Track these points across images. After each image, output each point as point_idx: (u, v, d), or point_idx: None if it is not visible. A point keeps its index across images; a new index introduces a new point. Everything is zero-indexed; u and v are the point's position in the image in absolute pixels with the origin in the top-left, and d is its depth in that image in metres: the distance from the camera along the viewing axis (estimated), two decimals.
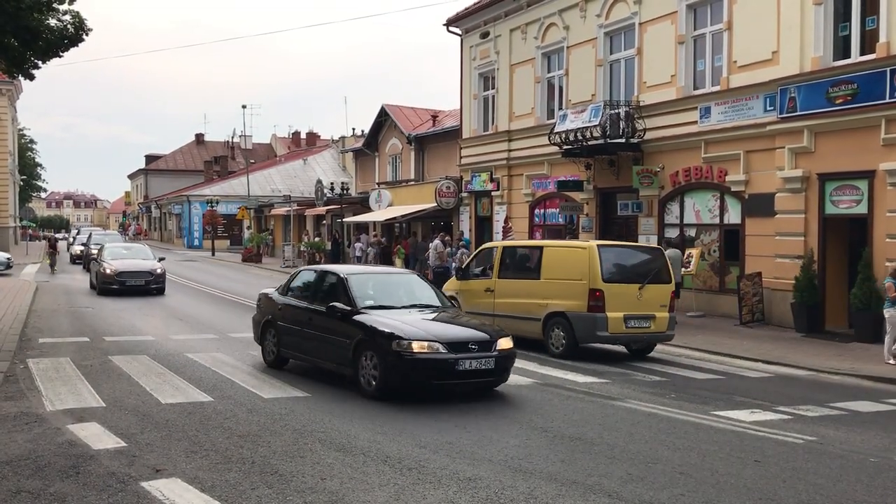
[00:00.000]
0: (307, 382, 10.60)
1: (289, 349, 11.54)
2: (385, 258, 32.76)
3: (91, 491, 6.05)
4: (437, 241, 25.87)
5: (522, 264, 15.07)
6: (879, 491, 6.64)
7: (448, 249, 26.07)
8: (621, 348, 14.28)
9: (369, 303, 10.65)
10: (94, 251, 33.57)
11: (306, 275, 12.42)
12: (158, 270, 23.98)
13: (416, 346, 9.40)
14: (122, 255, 24.97)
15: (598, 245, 13.72)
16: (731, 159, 18.34)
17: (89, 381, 10.31)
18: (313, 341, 10.94)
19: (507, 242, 18.38)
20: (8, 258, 32.73)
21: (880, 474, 7.12)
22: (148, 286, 23.36)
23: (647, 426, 8.65)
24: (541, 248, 14.88)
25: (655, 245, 16.98)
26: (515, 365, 12.47)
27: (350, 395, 9.87)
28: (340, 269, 11.98)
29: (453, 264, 25.19)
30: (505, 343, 10.08)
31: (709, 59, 19.27)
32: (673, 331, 14.05)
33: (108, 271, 23.12)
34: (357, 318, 10.16)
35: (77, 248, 40.79)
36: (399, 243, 32.66)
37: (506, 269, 14.97)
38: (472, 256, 17.39)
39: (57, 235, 36.03)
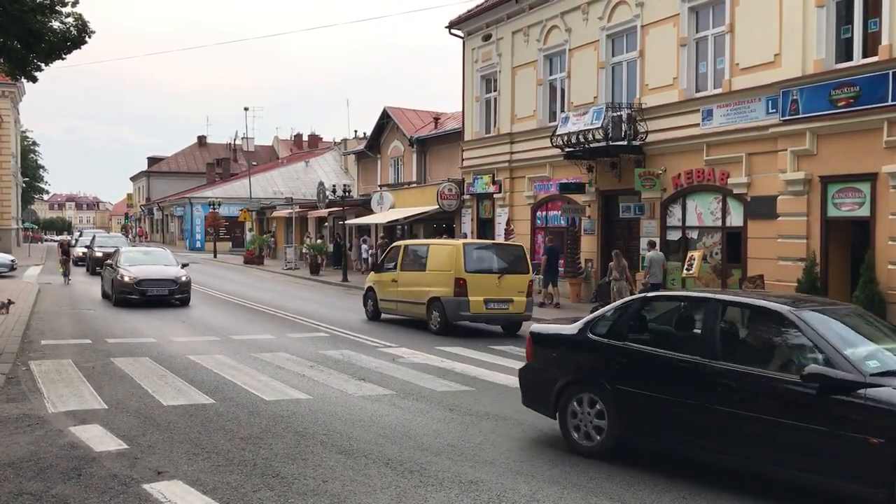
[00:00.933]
0: (309, 385, 10.60)
1: (662, 438, 7.10)
2: None
3: (93, 493, 6.06)
4: None
5: (416, 259, 17.83)
6: None
7: None
8: (497, 328, 17.22)
9: (874, 364, 6.11)
10: (99, 253, 32.10)
11: (672, 304, 7.99)
12: (183, 278, 21.27)
13: None
14: (142, 261, 22.31)
15: (464, 243, 17.19)
16: (734, 162, 18.32)
17: (91, 383, 10.32)
18: (736, 431, 6.42)
19: (408, 241, 21.48)
20: (12, 260, 32.69)
21: None
22: (171, 296, 20.81)
23: None
24: (427, 245, 18.18)
25: (516, 243, 19.56)
26: (518, 367, 12.51)
27: (351, 397, 9.87)
28: (766, 303, 7.00)
29: None
30: None
31: (711, 62, 19.26)
32: (531, 312, 16.87)
33: (126, 279, 20.42)
34: (873, 396, 5.71)
35: (80, 251, 39.35)
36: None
37: (406, 263, 17.97)
38: (384, 253, 20.66)
39: (68, 238, 32.97)
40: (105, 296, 22.15)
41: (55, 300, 21.99)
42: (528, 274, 17.02)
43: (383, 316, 18.58)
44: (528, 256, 17.77)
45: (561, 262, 23.15)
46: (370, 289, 18.94)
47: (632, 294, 16.80)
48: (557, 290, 22.02)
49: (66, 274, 29.17)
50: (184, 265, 22.68)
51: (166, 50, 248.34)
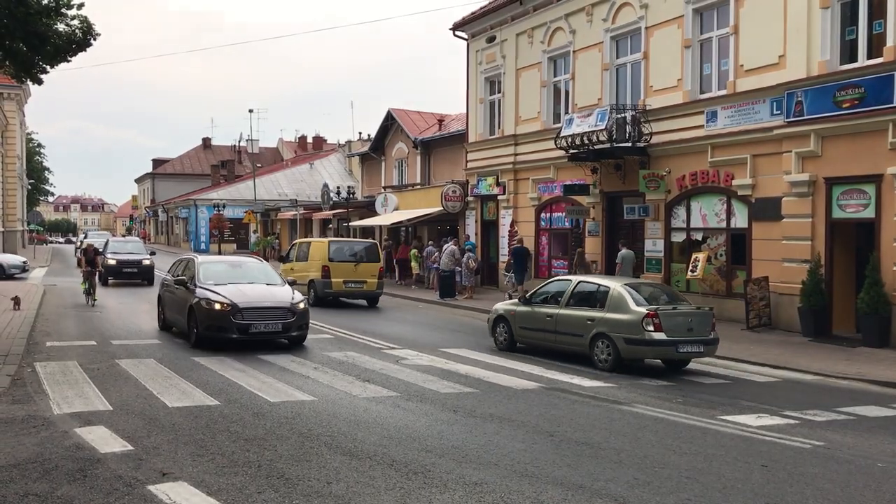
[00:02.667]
0: (313, 387, 10.61)
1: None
2: (390, 260, 32.99)
3: (98, 494, 6.07)
4: (453, 247, 25.85)
5: (304, 252, 24.25)
6: (887, 496, 6.62)
7: (466, 255, 25.97)
8: (362, 302, 23.22)
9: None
10: (112, 261, 28.81)
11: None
12: (301, 305, 14.40)
13: None
14: (233, 277, 15.09)
15: (329, 241, 24.78)
16: (738, 163, 18.30)
17: (96, 384, 10.35)
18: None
19: (301, 240, 27.70)
20: (24, 262, 32.63)
21: (888, 479, 7.09)
22: (286, 333, 14.07)
23: (653, 430, 8.64)
24: (310, 242, 25.36)
25: (370, 239, 28.00)
26: (521, 369, 12.58)
27: (356, 399, 9.89)
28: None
29: (456, 268, 25.32)
30: None
31: (715, 63, 19.24)
32: (381, 290, 23.24)
33: (217, 307, 13.69)
34: None
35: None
36: (397, 248, 32.88)
37: (299, 255, 24.41)
38: (289, 248, 26.72)
39: (92, 241, 29.30)
40: (165, 327, 16.17)
41: (60, 301, 21.95)
42: (379, 262, 23.36)
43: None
44: (380, 250, 24.72)
45: (559, 260, 23.45)
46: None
47: None
48: (523, 287, 22.45)
49: (89, 292, 21.70)
50: (291, 283, 15.85)
51: (171, 52, 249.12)
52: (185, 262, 16.29)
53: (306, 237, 38.54)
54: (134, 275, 29.38)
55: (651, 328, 12.30)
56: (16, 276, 30.87)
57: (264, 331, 13.76)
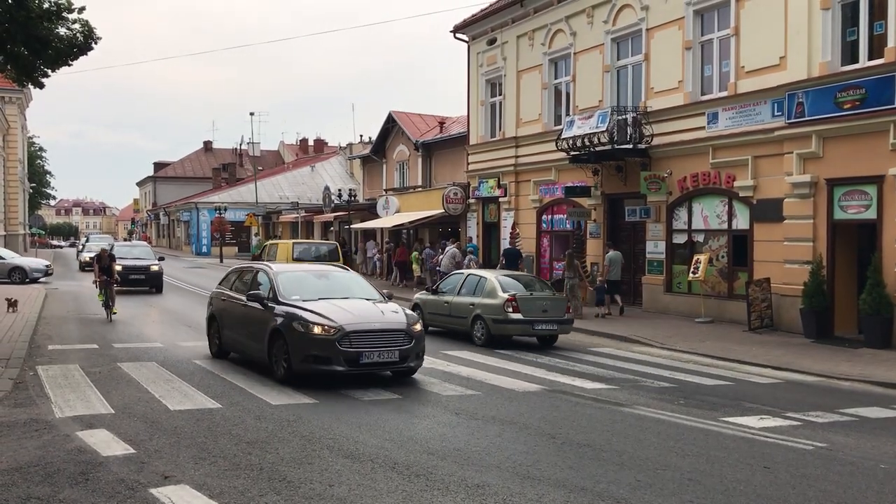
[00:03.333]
0: (315, 389, 10.60)
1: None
2: (390, 262, 33.14)
3: (100, 497, 6.07)
4: (454, 249, 25.99)
5: (274, 253, 27.02)
6: (890, 498, 6.61)
7: (468, 258, 26.08)
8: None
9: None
10: (118, 267, 23.24)
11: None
12: (416, 327, 11.44)
13: None
14: (323, 292, 11.93)
15: (293, 242, 28.32)
16: (739, 165, 18.30)
17: (98, 387, 10.35)
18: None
19: (271, 241, 31.82)
20: (47, 265, 31.95)
21: (890, 481, 7.08)
22: (403, 363, 11.13)
23: (655, 432, 8.63)
24: (277, 244, 28.51)
25: (332, 241, 31.81)
26: (523, 371, 12.57)
27: (358, 401, 9.88)
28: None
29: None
30: None
31: (716, 65, 19.25)
32: None
33: (318, 330, 10.68)
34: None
35: (87, 256, 37.01)
36: (395, 250, 33.04)
37: (269, 255, 26.97)
38: (261, 249, 29.88)
39: (107, 246, 26.35)
40: (222, 354, 13.23)
41: (62, 305, 21.88)
42: (339, 261, 23.86)
43: None
44: (339, 250, 27.73)
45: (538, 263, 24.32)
46: None
47: (582, 288, 20.80)
48: None
49: (108, 304, 18.83)
50: (388, 296, 13.04)
51: (173, 55, 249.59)
52: (250, 273, 13.12)
53: (279, 238, 41.38)
54: (141, 282, 26.73)
55: (510, 310, 15.32)
56: (39, 279, 30.48)
57: (378, 361, 10.81)
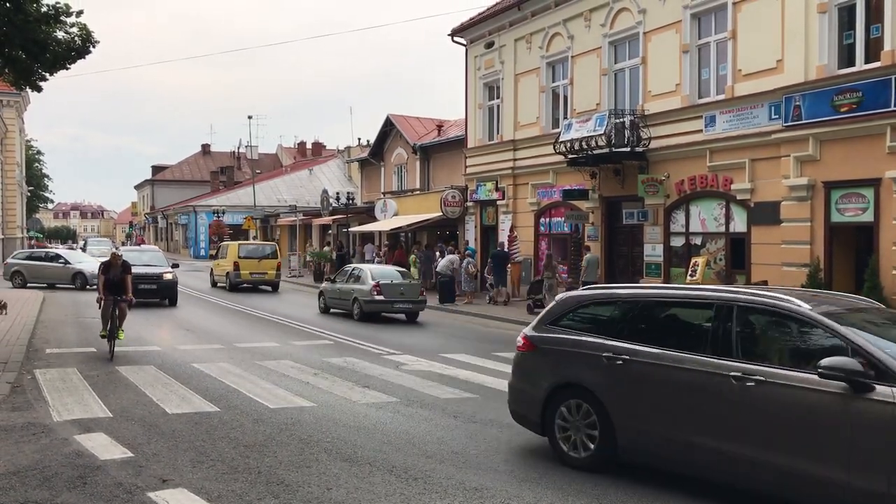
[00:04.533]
0: (313, 392, 10.61)
1: None
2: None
3: (98, 501, 6.07)
4: (454, 257, 26.28)
5: (225, 252, 32.12)
6: None
7: (466, 261, 26.17)
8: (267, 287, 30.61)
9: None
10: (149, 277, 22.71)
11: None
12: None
13: None
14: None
15: (239, 244, 32.86)
16: (737, 168, 18.32)
17: (96, 391, 10.34)
18: None
19: (224, 243, 35.45)
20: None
21: None
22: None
23: None
24: (228, 245, 33.06)
25: (273, 243, 37.37)
26: None
27: (356, 405, 9.88)
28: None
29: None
30: None
31: (713, 68, 19.28)
32: (279, 280, 31.67)
33: None
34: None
35: (87, 263, 30.46)
36: (392, 253, 33.07)
37: (222, 254, 32.55)
38: (217, 250, 36.16)
39: (117, 250, 23.08)
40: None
41: (59, 309, 21.84)
42: (277, 259, 31.45)
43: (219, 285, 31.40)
44: (278, 251, 33.20)
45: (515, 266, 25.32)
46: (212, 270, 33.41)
47: (559, 290, 20.08)
48: (501, 289, 24.41)
49: (111, 335, 13.58)
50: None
51: (170, 59, 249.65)
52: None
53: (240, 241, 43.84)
54: (152, 292, 23.20)
55: (375, 293, 20.13)
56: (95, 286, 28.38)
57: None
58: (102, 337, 13.68)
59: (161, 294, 23.66)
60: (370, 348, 15.19)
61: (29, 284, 28.95)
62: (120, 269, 13.90)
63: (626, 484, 6.78)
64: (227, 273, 30.53)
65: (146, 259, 25.30)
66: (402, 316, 21.02)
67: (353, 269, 22.19)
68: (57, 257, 31.01)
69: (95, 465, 6.99)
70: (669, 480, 6.87)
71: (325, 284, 23.78)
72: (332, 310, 22.21)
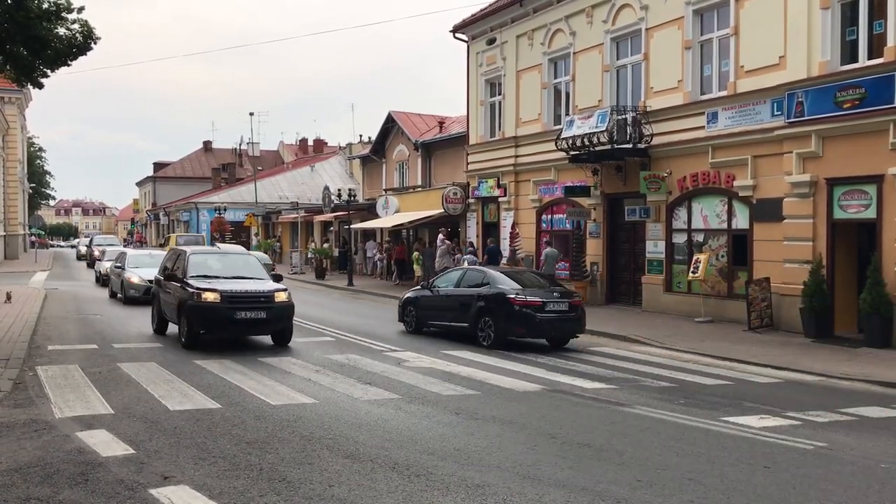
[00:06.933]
0: (315, 389, 10.61)
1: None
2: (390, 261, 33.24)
3: (100, 498, 6.07)
4: (443, 247, 26.56)
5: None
6: (890, 497, 6.60)
7: (465, 257, 26.57)
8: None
9: None
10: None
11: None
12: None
13: None
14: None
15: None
16: (739, 164, 18.30)
17: (98, 387, 10.34)
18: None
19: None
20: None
21: (891, 480, 7.07)
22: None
23: (655, 432, 8.62)
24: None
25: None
26: (522, 371, 12.58)
27: (357, 401, 9.88)
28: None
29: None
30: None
31: (716, 64, 19.24)
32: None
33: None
34: None
35: (105, 266, 28.30)
36: (394, 249, 33.18)
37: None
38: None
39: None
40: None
41: (61, 305, 21.81)
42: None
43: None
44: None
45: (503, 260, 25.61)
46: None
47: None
48: None
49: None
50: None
51: (172, 55, 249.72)
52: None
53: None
54: (261, 324, 14.66)
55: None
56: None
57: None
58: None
59: (272, 326, 14.66)
60: (371, 345, 15.19)
61: None
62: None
63: (630, 482, 6.78)
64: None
65: (238, 266, 16.13)
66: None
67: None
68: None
69: (97, 462, 6.99)
70: (671, 479, 6.87)
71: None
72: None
